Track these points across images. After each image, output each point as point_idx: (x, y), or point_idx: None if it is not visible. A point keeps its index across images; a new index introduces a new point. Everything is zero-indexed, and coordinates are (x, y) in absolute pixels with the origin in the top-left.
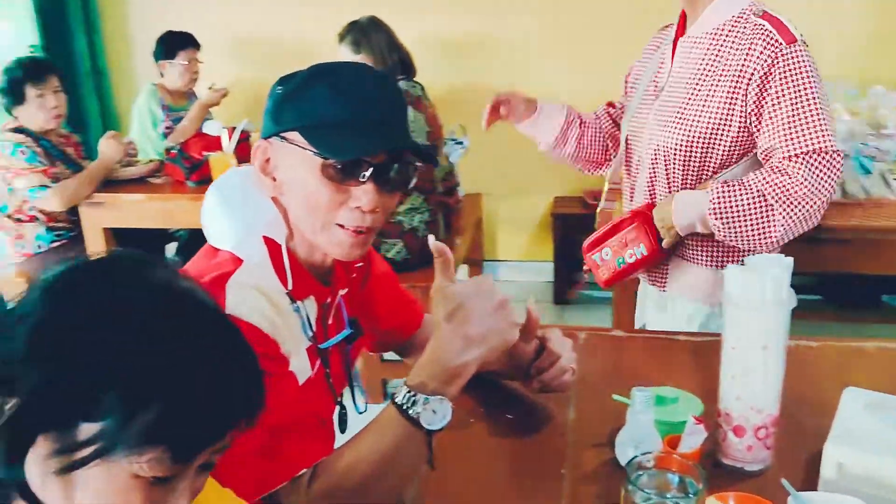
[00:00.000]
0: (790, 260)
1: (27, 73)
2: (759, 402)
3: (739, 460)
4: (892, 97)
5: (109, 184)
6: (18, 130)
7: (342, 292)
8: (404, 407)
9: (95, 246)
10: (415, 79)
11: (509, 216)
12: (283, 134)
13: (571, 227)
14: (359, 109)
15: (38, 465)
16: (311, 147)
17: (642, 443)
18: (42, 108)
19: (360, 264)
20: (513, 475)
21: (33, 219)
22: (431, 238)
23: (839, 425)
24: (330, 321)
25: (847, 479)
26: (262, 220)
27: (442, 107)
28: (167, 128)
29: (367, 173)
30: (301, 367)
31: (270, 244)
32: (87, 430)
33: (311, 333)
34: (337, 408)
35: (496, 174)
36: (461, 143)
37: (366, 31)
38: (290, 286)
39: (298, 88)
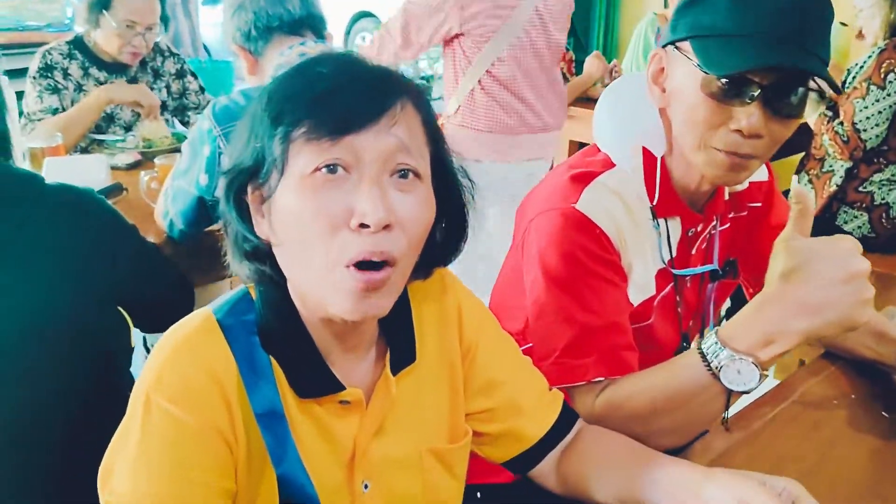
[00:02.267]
0: None
1: None
2: None
3: None
4: None
5: (584, 100)
6: None
7: (720, 227)
8: (707, 356)
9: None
10: None
11: None
12: (677, 43)
13: None
14: (758, 21)
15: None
16: (695, 58)
17: None
18: None
19: (758, 204)
20: (855, 466)
21: None
22: (795, 180)
23: None
24: (694, 251)
25: None
26: (644, 130)
27: None
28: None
29: (755, 94)
30: (642, 285)
31: (647, 155)
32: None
33: (668, 256)
34: (680, 339)
35: None
36: None
37: None
38: (655, 200)
39: None
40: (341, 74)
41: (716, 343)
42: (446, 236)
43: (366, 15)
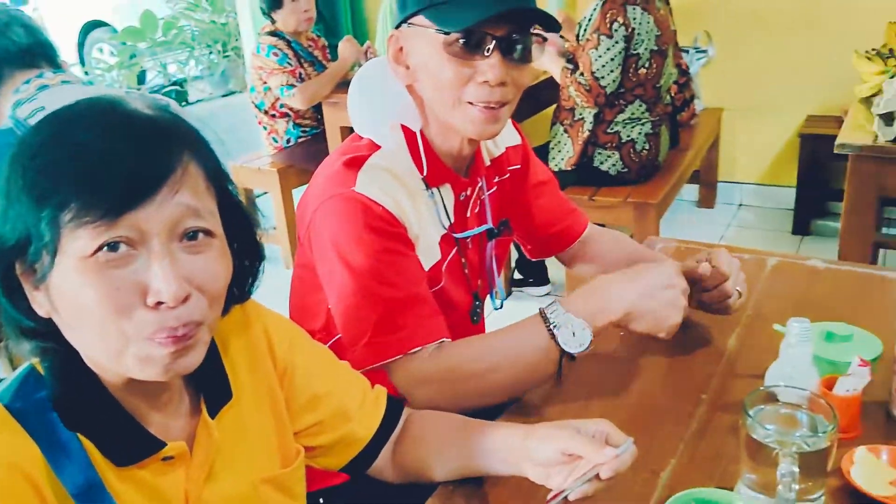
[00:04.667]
0: None
1: None
2: None
3: None
4: None
5: (345, 85)
6: (273, 34)
7: (489, 191)
8: (548, 318)
9: (335, 142)
10: None
11: (752, 135)
12: (410, 20)
13: (822, 151)
14: None
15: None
16: (433, 24)
17: (795, 380)
18: (295, 12)
19: (517, 166)
20: (650, 393)
21: (284, 115)
22: (705, 265)
23: None
24: (469, 214)
25: None
26: (398, 109)
27: (687, 11)
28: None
29: (491, 46)
30: (429, 252)
31: (406, 131)
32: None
33: (447, 222)
34: (471, 299)
35: (741, 88)
36: (704, 51)
37: None
38: (425, 171)
39: None
40: (109, 139)
41: (557, 308)
42: (243, 274)
43: (99, 24)
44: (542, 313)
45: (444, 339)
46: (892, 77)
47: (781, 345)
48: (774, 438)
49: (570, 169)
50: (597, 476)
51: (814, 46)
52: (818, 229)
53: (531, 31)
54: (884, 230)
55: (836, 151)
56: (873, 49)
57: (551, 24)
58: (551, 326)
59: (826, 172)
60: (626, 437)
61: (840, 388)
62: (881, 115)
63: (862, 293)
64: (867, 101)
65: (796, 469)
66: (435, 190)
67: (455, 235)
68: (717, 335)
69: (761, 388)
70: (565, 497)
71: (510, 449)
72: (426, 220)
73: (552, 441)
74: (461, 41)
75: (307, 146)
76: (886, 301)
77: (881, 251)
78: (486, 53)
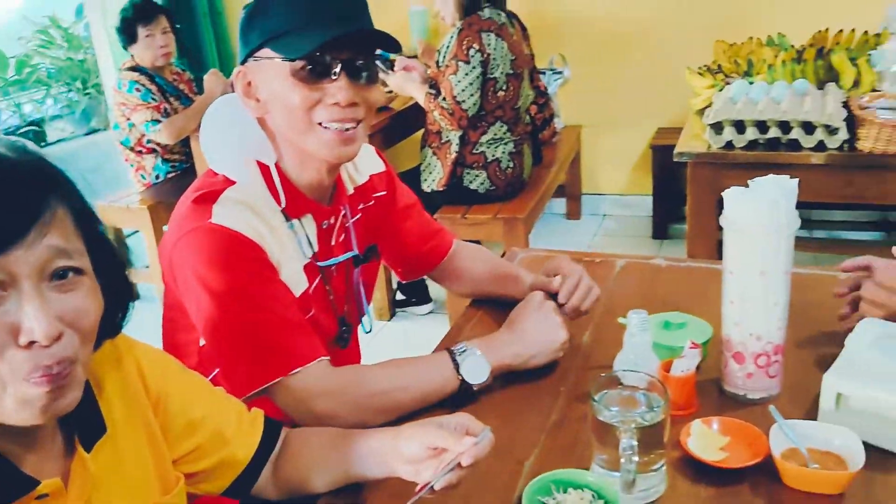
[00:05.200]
0: (794, 183)
1: (137, 13)
2: (758, 328)
3: (741, 388)
4: None
5: None
6: (134, 69)
7: (353, 218)
8: (454, 352)
9: None
10: (504, 7)
11: (610, 149)
12: (255, 54)
13: (671, 160)
14: (314, 8)
15: None
16: (277, 55)
17: (638, 365)
18: (150, 47)
19: (382, 193)
20: (516, 390)
21: (151, 151)
22: (557, 279)
23: (844, 356)
24: (334, 242)
25: (845, 411)
26: (251, 144)
27: (543, 35)
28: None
29: (338, 69)
30: (294, 280)
31: (261, 166)
32: None
33: (310, 251)
34: (338, 325)
35: (598, 105)
36: (560, 73)
37: None
38: (283, 203)
39: (258, 5)
40: None
41: (465, 345)
42: (113, 310)
43: None
44: (449, 350)
45: (324, 358)
46: (720, 90)
47: (625, 335)
48: (618, 419)
49: (442, 189)
50: (459, 465)
51: (657, 64)
52: (675, 233)
53: (375, 52)
54: None
55: (675, 160)
56: (704, 65)
57: (392, 46)
58: (457, 359)
59: (677, 180)
60: (483, 426)
61: (676, 369)
62: (711, 125)
63: (697, 285)
64: (701, 112)
65: (635, 443)
66: (295, 221)
67: (318, 264)
68: (575, 332)
69: (603, 374)
70: (431, 487)
71: (382, 452)
72: (288, 250)
73: (417, 438)
74: (308, 67)
75: (177, 181)
76: (717, 290)
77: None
78: (333, 77)
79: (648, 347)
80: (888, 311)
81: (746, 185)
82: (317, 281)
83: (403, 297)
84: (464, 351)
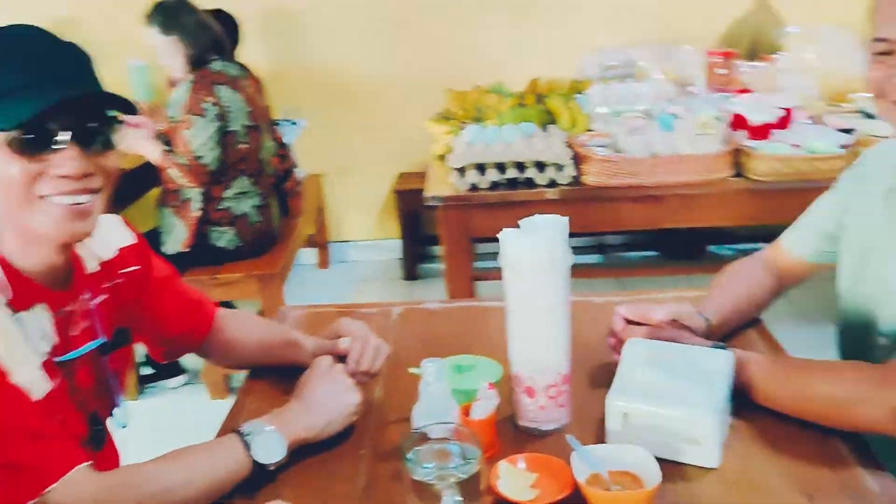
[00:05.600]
0: (565, 220)
1: None
2: (545, 361)
3: (534, 420)
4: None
5: None
6: None
7: (96, 301)
8: (243, 432)
9: None
10: (235, 59)
11: (354, 195)
12: None
13: (415, 203)
14: (32, 69)
15: None
16: None
17: (438, 414)
18: None
19: (135, 268)
20: (310, 462)
21: None
22: (344, 341)
23: (620, 377)
24: (76, 332)
25: (631, 428)
26: None
27: (279, 87)
28: None
29: (67, 137)
30: (31, 381)
31: None
32: None
33: (47, 346)
34: (88, 425)
35: (337, 154)
36: (295, 123)
37: (174, 13)
38: (9, 295)
39: None
40: None
41: (252, 424)
42: None
43: None
44: (236, 431)
45: (83, 464)
46: (455, 135)
47: (420, 385)
48: (434, 474)
49: (186, 251)
50: None
51: (393, 112)
52: (424, 272)
53: (107, 115)
54: (479, 264)
55: (426, 204)
56: (438, 113)
57: (128, 107)
58: (246, 439)
59: (422, 221)
60: None
61: (475, 413)
62: (456, 169)
63: (473, 324)
64: (442, 157)
65: (460, 498)
66: (23, 313)
67: (56, 360)
68: (366, 389)
69: (413, 430)
70: None
71: None
72: (17, 350)
73: None
74: (25, 137)
75: None
76: (493, 327)
77: (476, 283)
78: (55, 147)
79: (447, 395)
80: (647, 331)
81: (502, 226)
82: (59, 380)
83: (152, 372)
84: (252, 429)
